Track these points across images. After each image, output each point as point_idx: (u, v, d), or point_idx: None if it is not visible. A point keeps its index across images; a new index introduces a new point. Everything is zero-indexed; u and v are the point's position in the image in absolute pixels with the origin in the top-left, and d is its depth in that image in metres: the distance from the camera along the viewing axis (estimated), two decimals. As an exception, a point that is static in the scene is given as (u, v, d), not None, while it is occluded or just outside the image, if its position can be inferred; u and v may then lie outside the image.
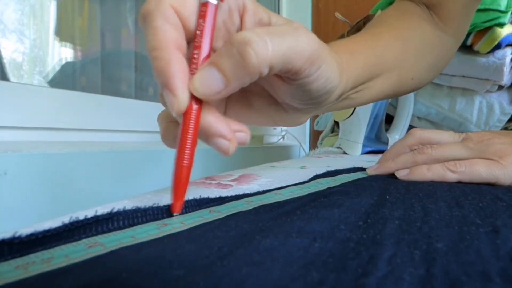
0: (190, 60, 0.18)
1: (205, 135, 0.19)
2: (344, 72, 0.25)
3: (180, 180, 0.18)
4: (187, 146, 0.18)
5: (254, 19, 0.21)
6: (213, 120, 0.18)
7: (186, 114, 0.18)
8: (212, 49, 0.19)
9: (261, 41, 0.17)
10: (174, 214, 0.19)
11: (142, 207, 0.19)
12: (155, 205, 0.19)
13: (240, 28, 0.21)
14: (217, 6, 0.19)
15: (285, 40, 0.18)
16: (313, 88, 0.21)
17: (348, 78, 0.26)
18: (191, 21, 0.19)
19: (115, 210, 0.18)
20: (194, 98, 0.18)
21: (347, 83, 0.27)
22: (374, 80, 0.33)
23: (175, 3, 0.18)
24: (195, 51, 0.18)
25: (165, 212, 0.19)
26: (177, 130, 0.19)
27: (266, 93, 0.24)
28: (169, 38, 0.17)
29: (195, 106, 0.18)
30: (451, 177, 0.29)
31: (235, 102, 0.25)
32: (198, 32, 0.18)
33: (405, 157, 0.32)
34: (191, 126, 0.18)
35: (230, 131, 0.19)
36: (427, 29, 0.41)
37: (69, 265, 0.12)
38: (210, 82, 0.17)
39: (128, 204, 0.20)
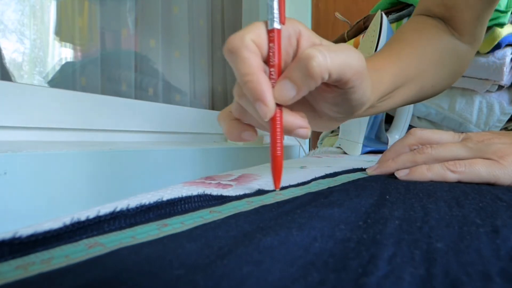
0: (269, 76, 0.24)
1: (289, 130, 0.25)
2: (373, 89, 0.30)
3: (277, 166, 0.25)
4: (278, 141, 0.24)
5: (308, 43, 0.25)
6: (292, 118, 0.25)
7: (273, 117, 0.24)
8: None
9: (321, 55, 0.22)
10: (276, 190, 0.25)
11: (146, 203, 0.19)
12: (159, 200, 0.20)
13: (297, 50, 0.25)
14: (280, 30, 0.24)
15: (340, 55, 0.23)
16: (353, 98, 0.27)
17: (376, 94, 0.32)
18: (265, 47, 0.24)
19: (117, 209, 0.18)
20: (276, 104, 0.24)
21: (375, 98, 0.32)
22: (397, 90, 0.37)
23: (253, 37, 0.23)
24: (272, 69, 0.24)
25: (168, 206, 0.19)
26: (241, 127, 0.27)
27: (308, 103, 0.29)
28: (255, 65, 0.23)
29: (278, 111, 0.24)
30: (451, 177, 0.29)
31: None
32: (271, 54, 0.24)
33: (405, 157, 0.32)
34: (278, 125, 0.24)
35: (305, 121, 0.25)
36: (444, 40, 0.44)
37: (69, 265, 0.12)
38: (286, 91, 0.23)
39: (130, 203, 0.20)
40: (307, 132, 0.25)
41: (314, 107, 0.30)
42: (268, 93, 0.22)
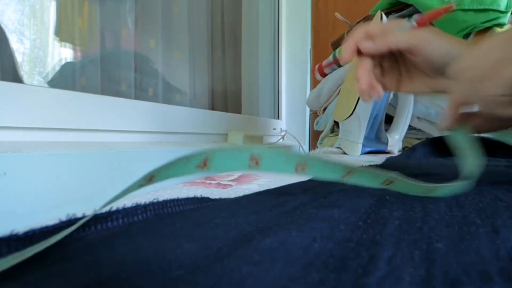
0: None
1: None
2: (466, 45, 0.33)
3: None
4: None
5: None
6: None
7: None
8: None
9: (390, 33, 0.33)
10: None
11: (142, 203, 0.19)
12: (155, 200, 0.20)
13: None
14: None
15: (401, 35, 0.33)
16: (429, 57, 0.33)
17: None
18: None
19: (114, 209, 0.18)
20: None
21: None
22: None
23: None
24: None
25: (166, 207, 0.19)
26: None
27: (418, 70, 0.35)
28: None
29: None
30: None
31: (393, 73, 0.38)
32: None
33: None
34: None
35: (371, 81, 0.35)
36: None
37: (69, 265, 0.12)
38: (367, 45, 0.34)
39: (127, 203, 0.20)
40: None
41: (421, 68, 0.35)
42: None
